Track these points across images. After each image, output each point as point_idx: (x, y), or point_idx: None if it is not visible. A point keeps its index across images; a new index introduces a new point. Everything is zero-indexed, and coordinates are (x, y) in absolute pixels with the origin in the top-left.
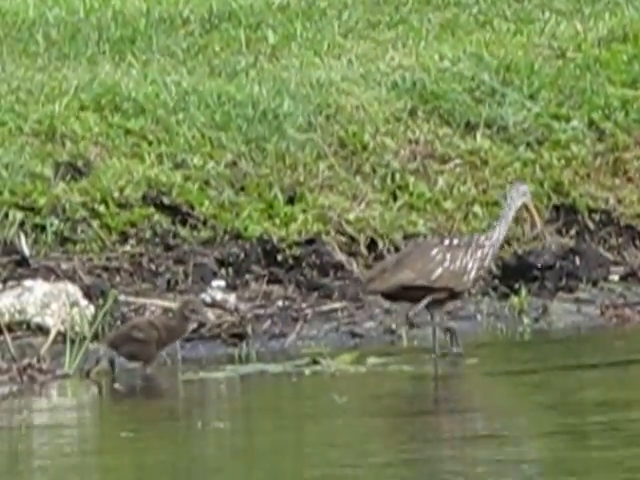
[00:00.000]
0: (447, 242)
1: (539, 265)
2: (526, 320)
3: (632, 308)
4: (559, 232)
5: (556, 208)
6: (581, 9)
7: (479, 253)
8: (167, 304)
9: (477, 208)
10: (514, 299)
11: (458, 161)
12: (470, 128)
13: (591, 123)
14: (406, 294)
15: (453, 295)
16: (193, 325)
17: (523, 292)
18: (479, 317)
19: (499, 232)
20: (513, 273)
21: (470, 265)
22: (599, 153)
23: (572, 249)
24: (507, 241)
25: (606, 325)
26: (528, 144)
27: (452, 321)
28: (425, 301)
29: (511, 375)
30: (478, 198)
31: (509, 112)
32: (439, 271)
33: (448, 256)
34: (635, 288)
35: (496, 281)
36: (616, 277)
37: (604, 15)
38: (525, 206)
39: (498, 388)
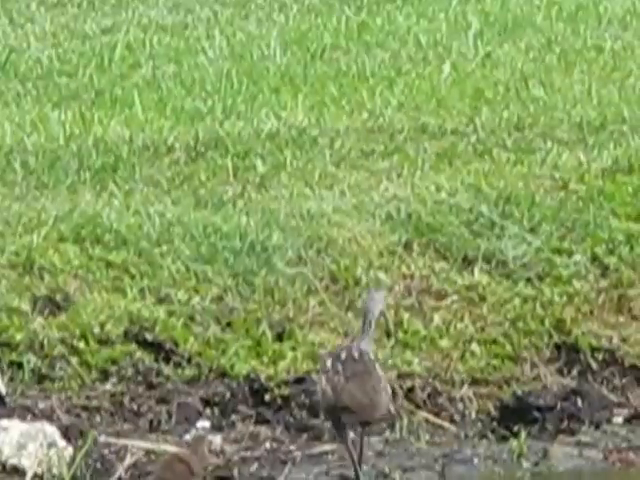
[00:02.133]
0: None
1: (539, 406)
2: (525, 464)
3: (637, 452)
4: (560, 372)
5: (557, 347)
6: (584, 139)
7: None
8: (150, 446)
9: (475, 346)
10: (513, 442)
11: (455, 297)
12: (467, 263)
13: (594, 258)
14: None
15: None
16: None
17: (522, 435)
18: (476, 461)
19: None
20: (512, 415)
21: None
22: (603, 289)
23: (574, 390)
24: (506, 381)
25: (609, 470)
26: (528, 280)
27: (451, 464)
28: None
29: None
30: (476, 336)
31: (508, 246)
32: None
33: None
34: None
35: (494, 423)
36: (620, 419)
37: (608, 145)
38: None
39: None
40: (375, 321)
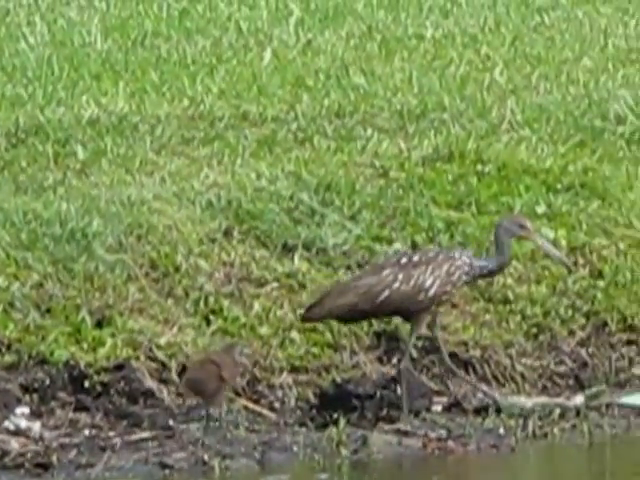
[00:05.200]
0: (404, 260)
1: (358, 394)
2: (344, 452)
3: (455, 441)
4: (380, 360)
5: (377, 335)
6: (405, 127)
7: (445, 266)
8: None
9: (294, 334)
10: (332, 430)
11: (275, 284)
12: (287, 250)
13: (414, 246)
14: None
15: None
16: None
17: (342, 422)
18: (295, 448)
19: (489, 262)
20: (331, 402)
21: (429, 282)
22: None
23: (393, 378)
24: (325, 369)
25: (428, 458)
26: (348, 267)
27: (271, 452)
28: (411, 344)
29: None
30: (296, 324)
31: (328, 234)
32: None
33: (400, 276)
34: (459, 419)
35: (314, 411)
36: (439, 408)
37: (429, 133)
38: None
39: None
40: (507, 246)
